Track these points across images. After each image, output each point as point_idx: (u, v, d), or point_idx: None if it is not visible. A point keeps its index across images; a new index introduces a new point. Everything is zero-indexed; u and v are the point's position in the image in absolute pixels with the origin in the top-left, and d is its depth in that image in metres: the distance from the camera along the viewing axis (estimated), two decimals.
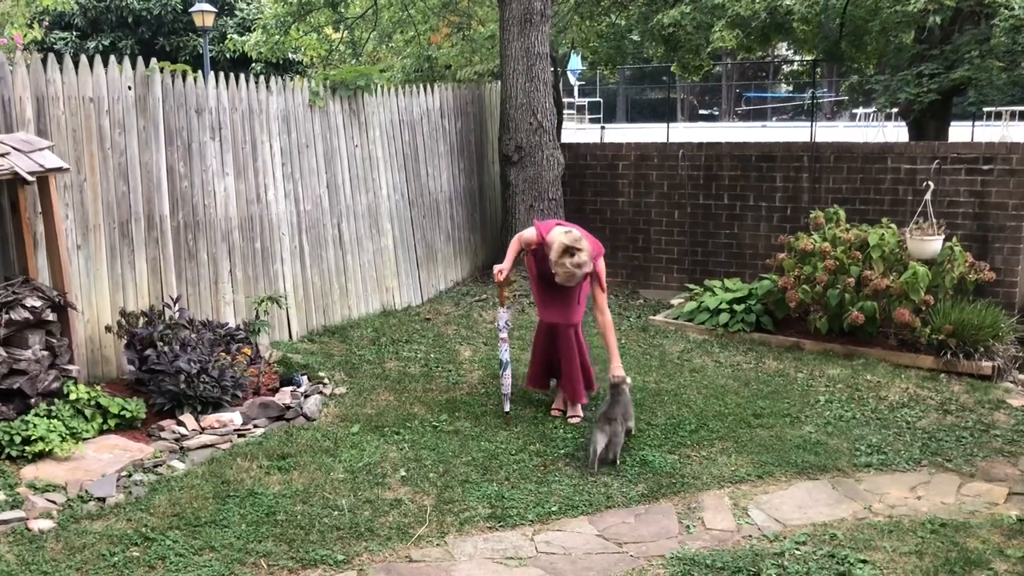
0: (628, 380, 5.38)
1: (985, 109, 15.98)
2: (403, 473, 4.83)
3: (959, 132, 14.01)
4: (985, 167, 7.69)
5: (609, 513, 4.45)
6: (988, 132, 16.14)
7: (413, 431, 5.44)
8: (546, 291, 5.65)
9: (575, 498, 4.57)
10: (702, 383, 6.40)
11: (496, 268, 5.49)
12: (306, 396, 5.85)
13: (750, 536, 4.21)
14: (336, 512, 4.36)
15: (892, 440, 5.35)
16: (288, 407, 5.64)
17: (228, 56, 17.27)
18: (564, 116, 10.98)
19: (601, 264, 5.43)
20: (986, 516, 4.37)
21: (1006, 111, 16.90)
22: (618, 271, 9.53)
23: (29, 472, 4.56)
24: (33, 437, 4.69)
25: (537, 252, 5.53)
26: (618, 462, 4.93)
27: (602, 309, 5.40)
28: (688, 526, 4.32)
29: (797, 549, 4.04)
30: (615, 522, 4.36)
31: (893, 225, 7.26)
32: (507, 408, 5.67)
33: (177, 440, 5.13)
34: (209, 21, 18.67)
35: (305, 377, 6.15)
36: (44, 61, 5.51)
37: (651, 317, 8.25)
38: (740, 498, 4.61)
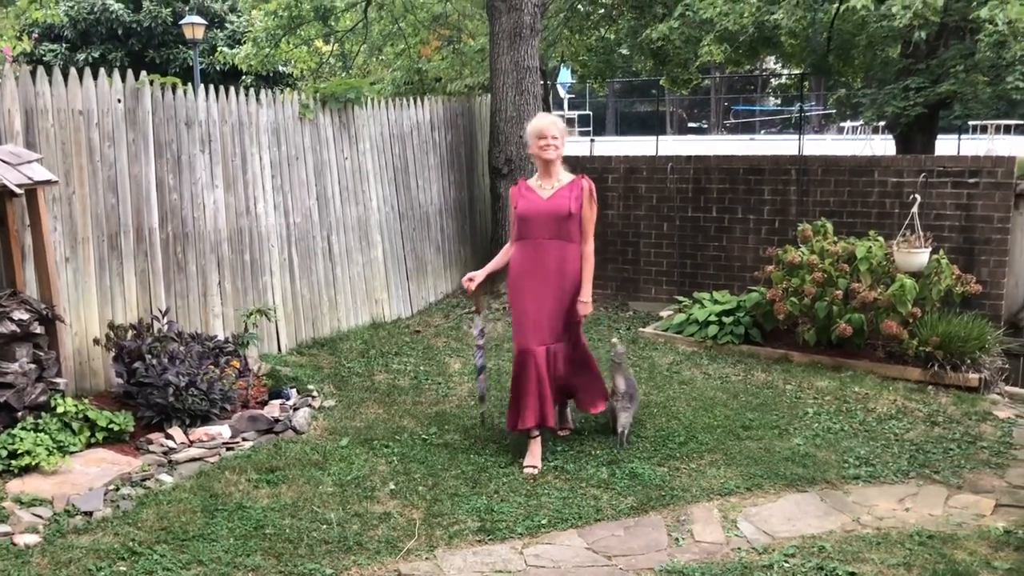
0: (620, 347, 5.74)
1: (971, 123, 16.14)
2: (392, 486, 4.82)
3: (945, 145, 14.14)
4: (971, 180, 7.75)
5: (598, 526, 4.45)
6: (974, 145, 16.30)
7: (402, 444, 5.43)
8: (531, 280, 5.17)
9: (564, 511, 4.56)
10: (691, 395, 6.41)
11: (467, 276, 5.39)
12: (295, 409, 5.84)
13: (739, 548, 4.22)
14: (325, 526, 4.35)
15: (880, 452, 5.37)
16: (277, 420, 5.62)
17: (218, 69, 17.31)
18: None
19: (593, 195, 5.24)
20: (973, 528, 4.39)
21: (991, 125, 17.06)
22: (607, 283, 9.55)
23: (15, 486, 4.53)
24: (19, 451, 4.66)
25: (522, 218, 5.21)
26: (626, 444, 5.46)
27: (588, 237, 5.21)
28: (677, 539, 4.32)
29: (786, 561, 4.05)
30: (604, 535, 4.35)
31: (880, 238, 7.30)
32: (482, 409, 5.78)
33: (165, 453, 5.11)
34: (199, 33, 18.71)
35: (294, 390, 6.13)
36: (33, 73, 5.51)
37: (640, 329, 8.27)
38: (729, 510, 4.62)
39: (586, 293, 5.19)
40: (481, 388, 5.72)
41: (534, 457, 5.14)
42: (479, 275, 5.34)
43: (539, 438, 5.21)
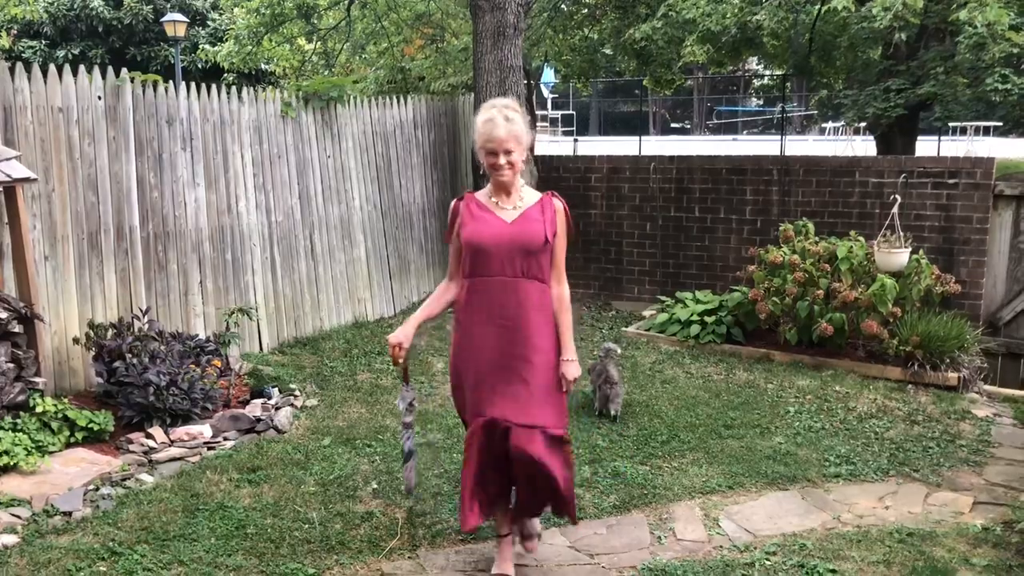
0: (615, 346, 5.70)
1: (951, 124, 16.27)
2: (375, 486, 4.81)
3: (925, 146, 14.26)
4: (951, 181, 7.81)
5: (581, 524, 4.45)
6: (954, 147, 16.44)
7: (385, 443, 5.41)
8: (490, 337, 3.67)
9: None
10: (673, 394, 6.43)
11: (392, 340, 3.74)
12: (277, 408, 5.81)
13: (721, 546, 4.24)
14: (307, 525, 4.33)
15: (860, 450, 5.41)
16: (259, 420, 5.60)
17: (200, 66, 17.21)
18: (537, 129, 11.03)
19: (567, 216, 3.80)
20: (952, 525, 4.43)
21: (971, 126, 17.21)
22: (590, 282, 9.57)
23: None
24: None
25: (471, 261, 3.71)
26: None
27: (561, 277, 3.77)
28: (660, 537, 4.33)
29: (767, 559, 4.07)
30: (587, 533, 4.36)
31: (861, 238, 7.35)
32: (411, 504, 4.52)
33: (146, 453, 5.07)
34: (181, 31, 18.58)
35: (276, 389, 6.11)
36: (12, 70, 5.45)
37: (623, 328, 8.29)
38: (711, 508, 4.64)
39: (571, 348, 3.72)
40: (409, 480, 4.17)
41: (503, 563, 3.91)
42: (407, 336, 3.76)
43: (508, 537, 3.95)
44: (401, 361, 3.79)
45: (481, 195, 3.77)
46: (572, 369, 3.71)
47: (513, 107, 3.62)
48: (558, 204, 3.76)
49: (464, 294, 3.73)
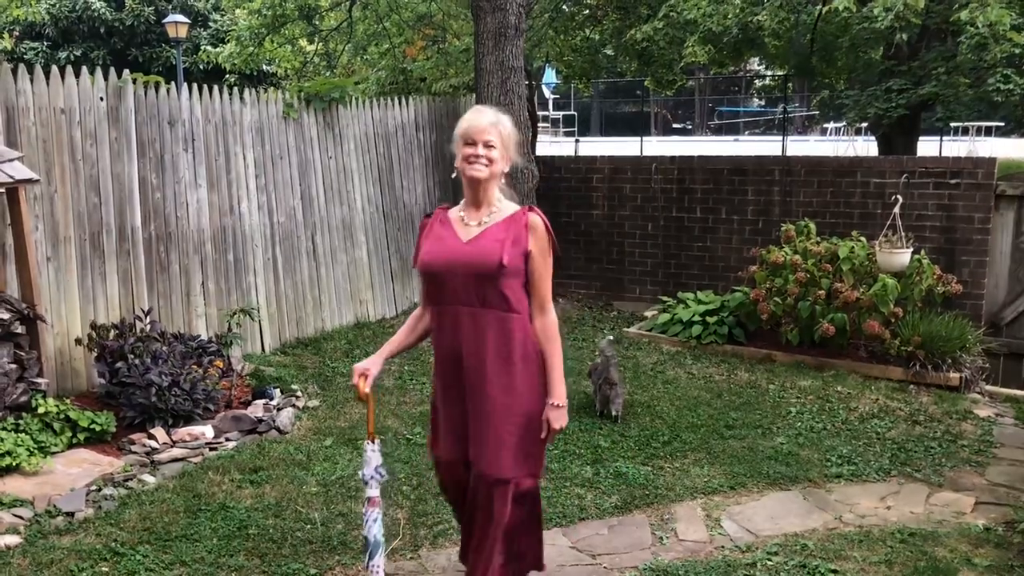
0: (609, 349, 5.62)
1: (952, 124, 16.25)
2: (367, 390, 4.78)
3: (927, 147, 14.25)
4: (952, 181, 7.81)
5: (583, 525, 4.45)
6: (955, 147, 16.42)
7: (386, 444, 5.42)
8: (448, 375, 3.26)
9: (549, 510, 4.57)
10: (675, 395, 6.43)
11: (357, 368, 3.27)
12: (279, 409, 5.82)
13: (722, 547, 4.24)
14: (309, 526, 4.34)
15: (862, 451, 5.41)
16: (260, 420, 5.60)
17: (201, 68, 17.19)
18: (539, 129, 11.03)
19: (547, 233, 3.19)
20: (954, 525, 4.43)
21: (972, 126, 17.19)
22: (592, 283, 9.57)
23: None
24: (0, 452, 4.62)
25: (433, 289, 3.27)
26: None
27: (544, 305, 3.20)
28: (661, 537, 4.34)
29: (769, 559, 4.07)
30: (589, 534, 4.36)
31: (863, 238, 7.35)
32: None
33: (148, 454, 5.08)
34: (182, 32, 18.58)
35: (278, 390, 6.11)
36: (15, 71, 5.47)
37: (625, 329, 8.29)
38: (713, 509, 4.64)
39: (559, 392, 3.18)
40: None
41: None
42: (376, 364, 3.29)
43: None
44: (366, 391, 3.20)
45: (453, 210, 3.29)
46: (558, 417, 3.17)
47: (504, 119, 3.19)
48: (534, 219, 3.13)
49: (431, 324, 3.33)
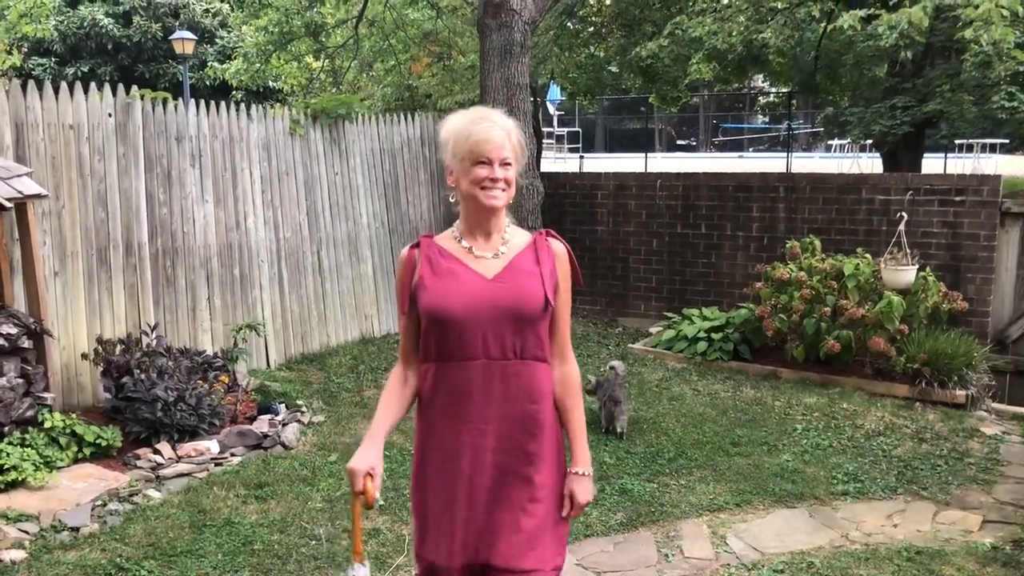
0: (621, 368, 5.67)
1: (957, 141, 16.26)
2: (381, 502, 4.80)
3: (932, 164, 14.25)
4: (957, 198, 7.82)
5: (588, 542, 4.44)
6: (960, 164, 16.42)
7: (391, 460, 5.41)
8: (466, 448, 2.49)
9: None
10: (680, 411, 6.42)
11: (357, 467, 2.45)
12: (284, 424, 5.82)
13: (728, 564, 4.22)
14: (314, 542, 4.33)
15: (868, 468, 5.39)
16: (266, 436, 5.60)
17: (208, 84, 17.32)
18: (543, 146, 11.06)
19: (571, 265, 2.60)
20: (961, 544, 4.41)
21: (977, 143, 17.20)
22: (597, 299, 9.58)
23: (1, 502, 4.49)
24: (6, 466, 4.63)
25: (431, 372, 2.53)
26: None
27: (566, 351, 2.60)
28: (667, 554, 4.32)
29: None
30: (594, 551, 4.35)
31: (868, 255, 7.35)
32: None
33: (153, 469, 5.08)
34: (189, 49, 18.71)
35: (283, 405, 6.11)
36: (24, 87, 5.51)
37: (630, 345, 8.28)
38: (718, 526, 4.63)
39: (584, 458, 2.63)
40: None
41: None
42: (378, 460, 2.50)
43: None
44: (375, 496, 2.44)
45: (445, 239, 2.56)
46: (585, 489, 2.59)
47: (514, 128, 2.50)
48: (558, 247, 2.55)
49: (428, 385, 2.53)
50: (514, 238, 2.55)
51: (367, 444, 2.51)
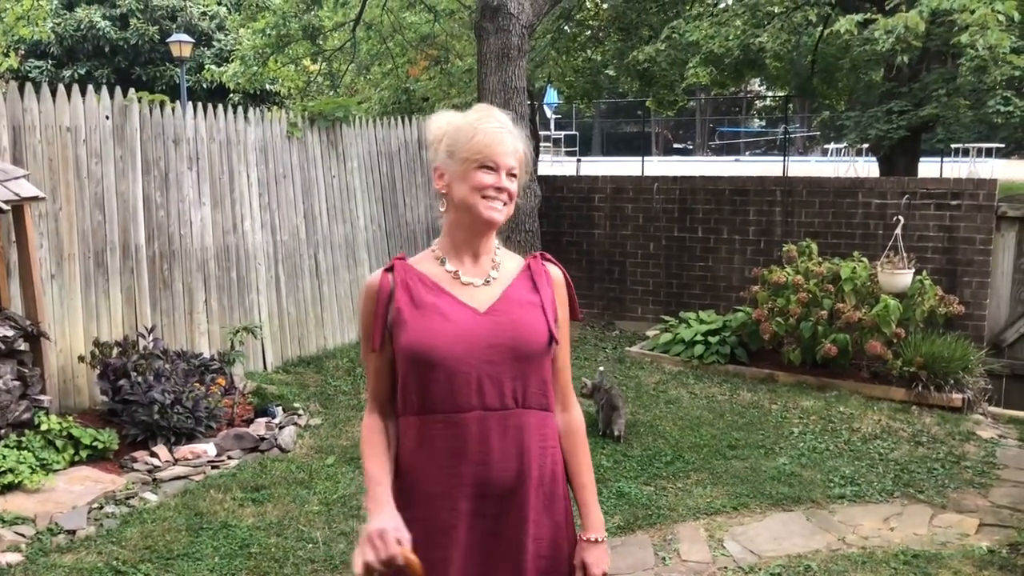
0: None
1: (953, 145, 16.31)
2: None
3: (928, 168, 14.29)
4: (953, 202, 7.84)
5: None
6: (956, 168, 16.47)
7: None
8: (462, 520, 2.05)
9: None
10: (677, 414, 6.42)
11: (387, 535, 1.91)
12: (281, 427, 5.81)
13: (725, 568, 4.22)
14: (311, 545, 4.33)
15: (865, 472, 5.40)
16: (263, 438, 5.60)
17: (205, 86, 17.31)
18: (540, 149, 11.08)
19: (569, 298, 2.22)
20: (958, 547, 4.41)
21: (973, 148, 17.25)
22: (594, 302, 9.58)
23: None
24: (2, 469, 4.62)
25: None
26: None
27: (570, 396, 2.22)
28: (664, 558, 4.32)
29: None
30: None
31: (865, 259, 7.37)
32: None
33: (150, 471, 5.07)
34: (186, 51, 18.69)
35: (280, 408, 6.11)
36: (21, 89, 5.50)
37: (627, 348, 8.29)
38: (716, 530, 4.63)
39: (597, 521, 2.17)
40: None
41: None
42: (403, 526, 1.96)
43: None
44: (414, 558, 1.92)
45: (424, 261, 2.16)
46: (599, 557, 2.13)
47: (521, 136, 2.13)
48: (556, 273, 2.19)
49: (409, 444, 2.08)
50: (505, 262, 2.16)
51: (378, 508, 1.99)
